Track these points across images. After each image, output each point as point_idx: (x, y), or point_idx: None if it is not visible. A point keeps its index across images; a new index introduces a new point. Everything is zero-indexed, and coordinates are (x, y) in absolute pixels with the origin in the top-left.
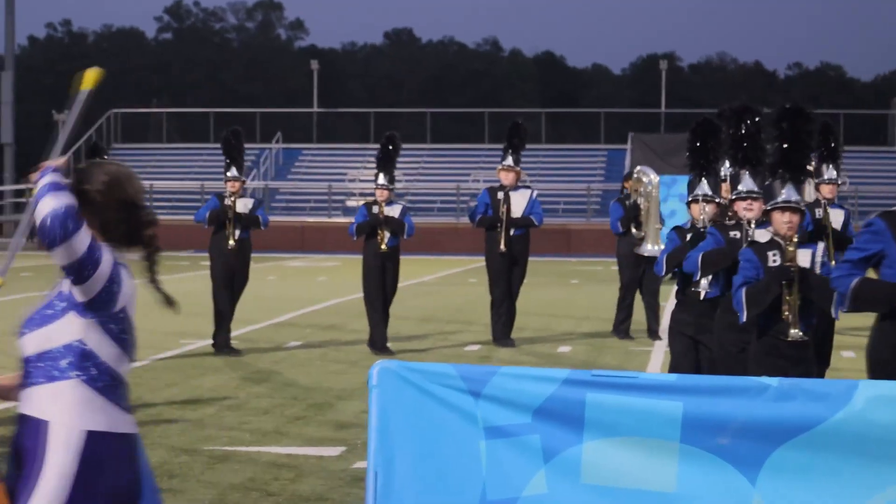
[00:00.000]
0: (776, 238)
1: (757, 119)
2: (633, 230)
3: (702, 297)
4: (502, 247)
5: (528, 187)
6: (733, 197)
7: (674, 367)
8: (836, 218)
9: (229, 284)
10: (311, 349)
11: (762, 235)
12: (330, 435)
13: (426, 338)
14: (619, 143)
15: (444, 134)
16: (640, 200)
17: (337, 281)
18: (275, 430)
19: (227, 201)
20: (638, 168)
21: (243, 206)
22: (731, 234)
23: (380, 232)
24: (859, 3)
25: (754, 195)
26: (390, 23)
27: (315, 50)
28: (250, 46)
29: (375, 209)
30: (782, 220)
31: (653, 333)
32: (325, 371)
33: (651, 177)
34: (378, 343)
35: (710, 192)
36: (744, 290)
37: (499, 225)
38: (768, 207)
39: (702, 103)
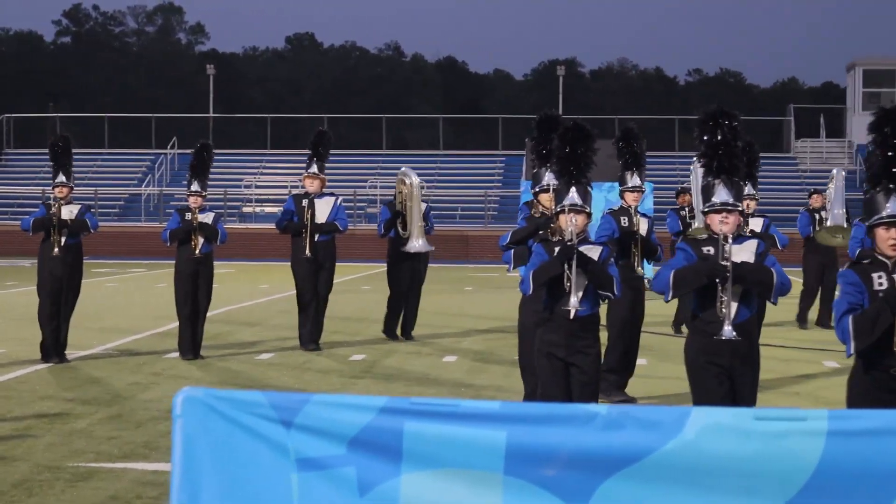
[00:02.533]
0: (880, 257)
1: (735, 124)
2: (400, 230)
3: (571, 315)
4: (307, 252)
5: (332, 194)
6: (706, 209)
7: (543, 392)
8: (644, 225)
9: (56, 292)
10: (193, 359)
11: (744, 251)
12: None
13: (324, 343)
14: (519, 149)
15: (343, 140)
16: (405, 201)
17: (229, 288)
18: (144, 445)
19: (53, 208)
20: (402, 170)
21: (68, 212)
22: (705, 249)
23: (194, 238)
24: (758, 10)
25: (729, 207)
26: (292, 27)
27: (216, 54)
28: (150, 50)
29: (189, 216)
30: (888, 237)
31: (407, 332)
32: (204, 382)
33: (413, 178)
34: (184, 348)
35: (578, 202)
36: (850, 319)
37: (304, 231)
38: (871, 223)
39: (602, 109)
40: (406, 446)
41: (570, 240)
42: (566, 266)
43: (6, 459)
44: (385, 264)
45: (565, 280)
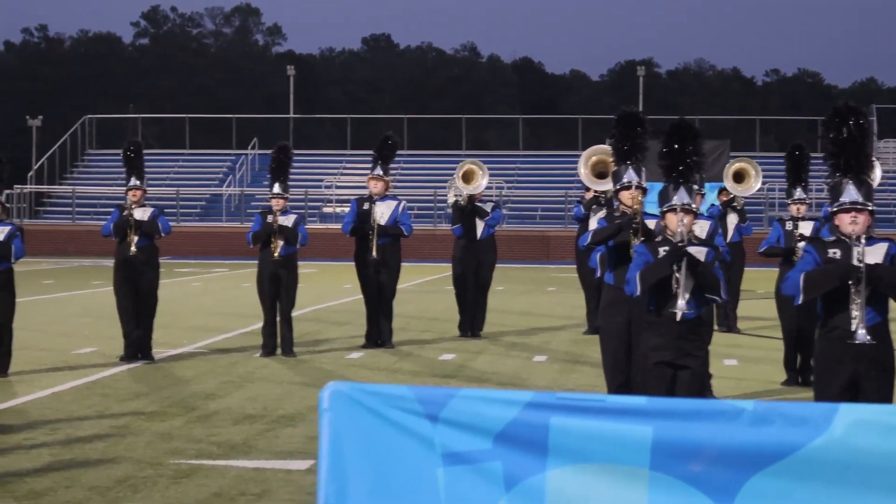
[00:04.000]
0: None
1: (861, 122)
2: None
3: (678, 318)
4: (374, 254)
5: (395, 198)
6: (835, 209)
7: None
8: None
9: (131, 292)
10: (284, 358)
11: (875, 253)
12: (299, 448)
13: (407, 344)
14: None
15: (422, 140)
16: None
17: (315, 287)
18: (243, 443)
19: (126, 210)
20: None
21: (141, 214)
22: (830, 251)
23: (273, 240)
24: (836, 9)
25: (859, 206)
26: (368, 29)
27: (293, 55)
28: (228, 52)
29: (270, 218)
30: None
31: (475, 331)
32: (296, 381)
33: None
34: (265, 347)
35: (688, 201)
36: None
37: (370, 233)
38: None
39: (680, 110)
40: (552, 441)
41: (681, 241)
42: (674, 268)
43: (108, 456)
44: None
45: (673, 282)
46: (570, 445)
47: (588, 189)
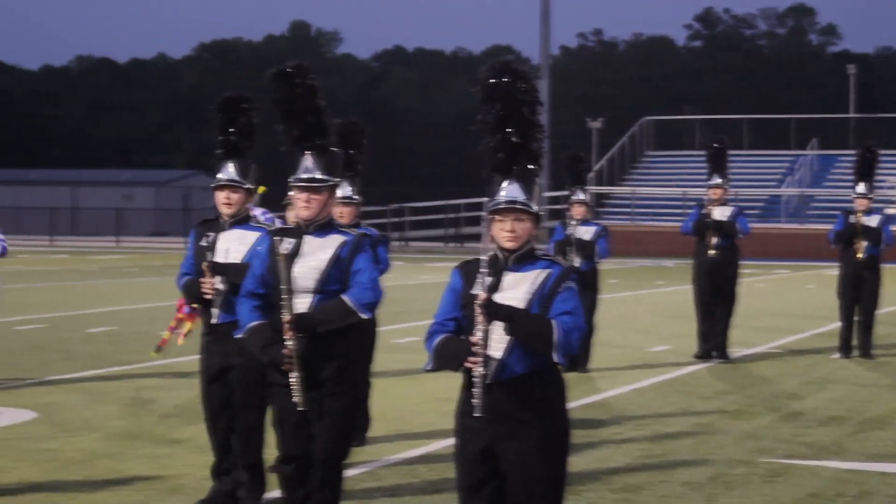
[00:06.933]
0: None
1: None
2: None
3: None
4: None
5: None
6: None
7: None
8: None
9: (709, 291)
10: (862, 360)
11: None
12: (893, 450)
13: None
14: None
15: None
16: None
17: (887, 289)
18: (833, 444)
19: (706, 209)
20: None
21: (720, 213)
22: None
23: (856, 241)
24: None
25: None
26: None
27: (848, 55)
28: (780, 52)
29: (853, 218)
30: None
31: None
32: (881, 384)
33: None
34: (846, 350)
35: None
36: None
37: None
38: None
39: None
40: None
41: None
42: None
43: (698, 453)
44: None
45: None
46: None
47: None
